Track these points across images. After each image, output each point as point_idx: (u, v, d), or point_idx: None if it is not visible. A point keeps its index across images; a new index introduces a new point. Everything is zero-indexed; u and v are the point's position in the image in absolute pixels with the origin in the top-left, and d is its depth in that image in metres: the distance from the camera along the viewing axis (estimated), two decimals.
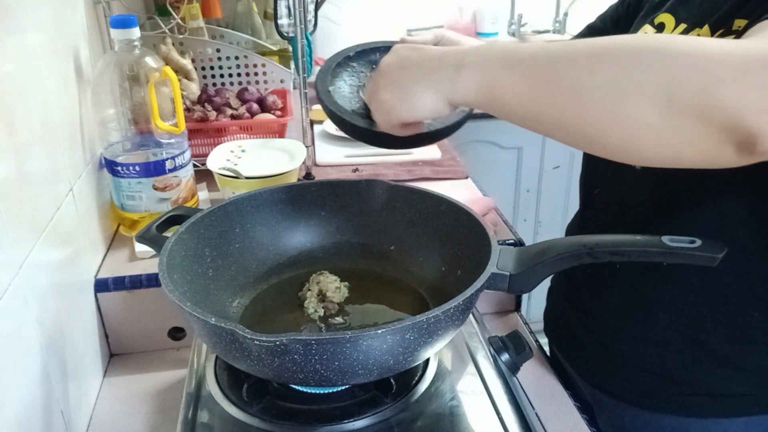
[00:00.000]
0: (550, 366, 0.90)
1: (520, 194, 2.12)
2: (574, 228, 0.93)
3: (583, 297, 0.85)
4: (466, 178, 1.25)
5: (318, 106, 1.67)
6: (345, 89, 0.82)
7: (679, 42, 0.45)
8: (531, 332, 0.96)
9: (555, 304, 0.96)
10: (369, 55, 0.88)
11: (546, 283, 0.86)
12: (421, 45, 0.62)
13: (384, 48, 0.86)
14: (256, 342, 0.51)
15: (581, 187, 0.90)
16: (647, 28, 0.76)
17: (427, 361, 0.68)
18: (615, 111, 0.46)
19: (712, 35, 0.66)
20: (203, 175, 1.14)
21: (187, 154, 1.01)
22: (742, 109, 0.42)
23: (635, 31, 0.79)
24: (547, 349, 0.95)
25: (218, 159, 1.09)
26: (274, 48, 1.65)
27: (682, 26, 0.71)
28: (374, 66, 0.84)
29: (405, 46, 0.61)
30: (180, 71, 1.28)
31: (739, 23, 0.63)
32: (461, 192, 1.18)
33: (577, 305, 0.86)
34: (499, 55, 0.52)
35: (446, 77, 0.54)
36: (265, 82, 1.40)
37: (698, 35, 0.67)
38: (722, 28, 0.65)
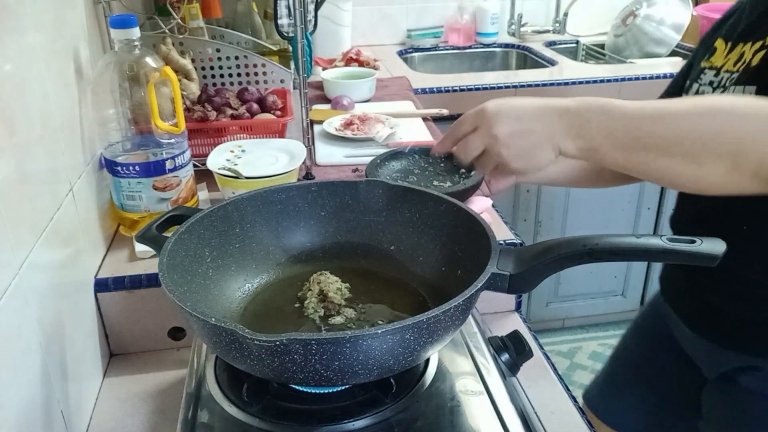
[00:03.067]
0: (549, 366, 0.90)
1: (520, 194, 2.12)
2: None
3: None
4: None
5: (318, 106, 1.68)
6: (394, 169, 1.07)
7: (745, 116, 0.62)
8: (531, 332, 0.96)
9: (666, 271, 1.03)
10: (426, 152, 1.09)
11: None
12: (517, 101, 0.73)
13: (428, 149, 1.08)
14: (256, 342, 0.51)
15: None
16: (707, 55, 0.89)
17: (427, 361, 0.68)
18: (693, 173, 0.64)
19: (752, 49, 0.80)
20: (203, 175, 1.14)
21: (187, 154, 1.01)
22: None
23: (699, 59, 0.92)
24: (546, 349, 0.95)
25: (218, 159, 1.09)
26: (274, 48, 1.65)
27: (729, 44, 0.85)
28: (426, 160, 1.08)
29: (507, 101, 0.73)
30: (180, 71, 1.28)
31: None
32: None
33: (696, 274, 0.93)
34: (600, 128, 0.67)
35: (560, 138, 0.69)
36: (265, 82, 1.40)
37: (742, 51, 0.82)
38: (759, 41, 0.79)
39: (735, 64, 0.82)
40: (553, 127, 0.69)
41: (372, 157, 1.22)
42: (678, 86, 0.97)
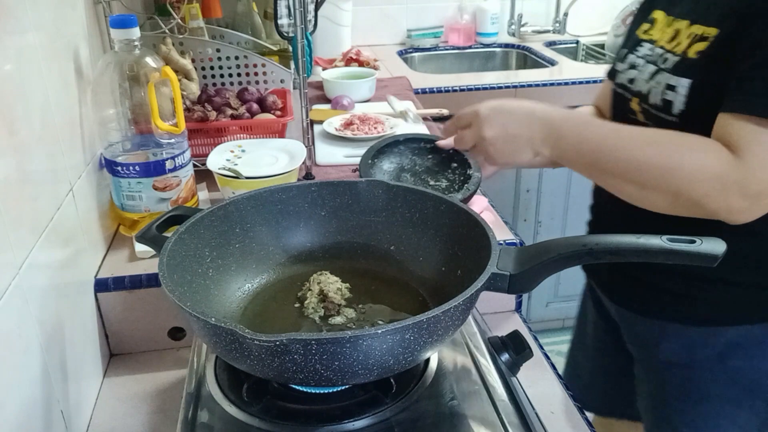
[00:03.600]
0: (549, 366, 0.90)
1: (520, 194, 2.12)
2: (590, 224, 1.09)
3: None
4: None
5: (318, 106, 1.68)
6: (385, 167, 1.07)
7: (691, 154, 0.74)
8: (531, 332, 0.96)
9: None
10: (414, 143, 1.11)
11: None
12: (507, 106, 0.88)
13: (427, 139, 1.11)
14: (256, 342, 0.51)
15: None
16: (645, 25, 0.93)
17: (427, 361, 0.68)
18: (640, 196, 0.79)
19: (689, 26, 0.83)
20: (203, 175, 1.14)
21: (187, 154, 1.01)
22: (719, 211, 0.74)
23: (636, 27, 0.96)
24: (546, 349, 0.95)
25: (218, 159, 1.09)
26: (274, 48, 1.65)
27: (669, 18, 0.88)
28: (415, 153, 1.10)
29: (499, 105, 0.88)
30: (180, 71, 1.28)
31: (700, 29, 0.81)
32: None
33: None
34: (571, 144, 0.82)
35: (537, 147, 0.85)
36: (265, 82, 1.40)
37: (677, 29, 0.84)
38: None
39: (669, 41, 0.84)
40: (533, 134, 0.84)
41: (398, 136, 1.20)
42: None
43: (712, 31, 0.77)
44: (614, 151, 0.78)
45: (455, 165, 1.05)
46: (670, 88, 0.80)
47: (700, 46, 0.78)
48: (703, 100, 0.78)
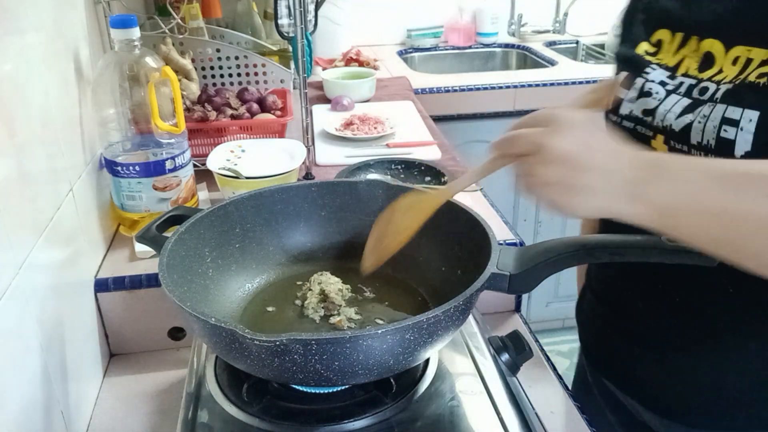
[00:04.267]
0: (549, 366, 0.90)
1: (520, 194, 2.12)
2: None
3: (632, 317, 0.80)
4: None
5: (318, 106, 1.67)
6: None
7: None
8: (531, 332, 0.96)
9: (594, 323, 0.90)
10: (385, 164, 1.14)
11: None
12: (589, 128, 0.54)
13: (398, 161, 1.16)
14: (256, 342, 0.51)
15: None
16: (645, 45, 0.75)
17: (427, 361, 0.68)
18: None
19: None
20: (203, 175, 1.14)
21: (187, 154, 1.01)
22: None
23: (633, 48, 0.76)
24: (546, 349, 0.95)
25: (218, 159, 1.09)
26: (274, 48, 1.65)
27: (679, 36, 0.71)
28: (388, 171, 1.14)
29: (575, 125, 0.53)
30: (180, 71, 1.28)
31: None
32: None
33: (626, 332, 0.82)
34: (677, 191, 0.51)
35: (618, 200, 0.51)
36: (265, 82, 1.40)
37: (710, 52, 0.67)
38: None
39: (703, 70, 0.67)
40: (623, 167, 0.52)
41: (372, 158, 1.23)
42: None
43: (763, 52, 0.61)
44: (747, 201, 0.49)
45: (429, 179, 1.06)
46: (730, 122, 0.61)
47: (755, 68, 0.61)
48: None
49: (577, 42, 2.54)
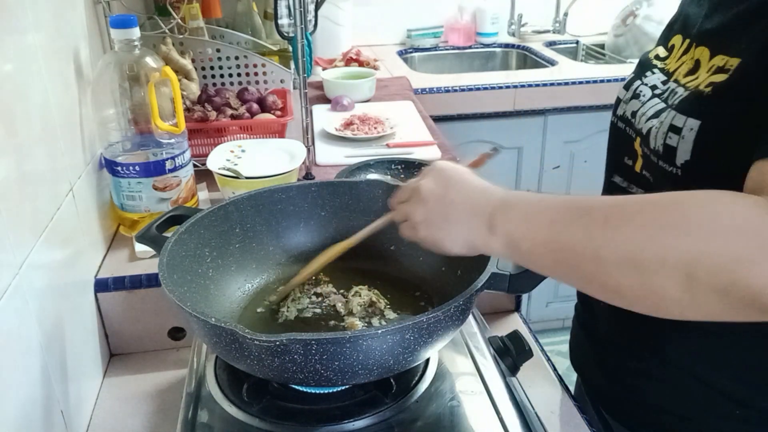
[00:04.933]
0: (549, 366, 0.90)
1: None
2: None
3: (602, 330, 0.81)
4: None
5: (318, 106, 1.67)
6: None
7: (702, 208, 0.45)
8: (531, 332, 0.96)
9: (575, 337, 0.92)
10: (385, 164, 1.15)
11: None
12: (457, 171, 0.61)
13: (398, 161, 1.15)
14: (256, 342, 0.51)
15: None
16: (660, 50, 0.76)
17: (427, 361, 0.68)
18: (636, 283, 0.46)
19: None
20: (203, 175, 1.14)
21: (187, 154, 1.01)
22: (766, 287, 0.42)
23: (652, 51, 0.77)
24: (546, 349, 0.95)
25: (218, 159, 1.09)
26: (274, 48, 1.65)
27: (686, 43, 0.70)
28: (388, 171, 1.14)
29: (444, 170, 0.60)
30: (180, 71, 1.28)
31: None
32: None
33: (596, 338, 0.83)
34: (522, 219, 0.53)
35: (477, 233, 0.56)
36: (265, 82, 1.40)
37: (696, 58, 0.66)
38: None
39: (687, 75, 0.67)
40: (475, 208, 0.57)
41: (372, 158, 1.23)
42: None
43: (734, 62, 0.60)
44: (599, 212, 0.49)
45: None
46: (675, 130, 0.62)
47: (718, 78, 0.61)
48: (711, 149, 0.59)
49: (577, 42, 2.53)
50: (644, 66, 0.75)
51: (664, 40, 0.76)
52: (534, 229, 0.52)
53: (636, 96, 0.72)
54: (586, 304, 0.86)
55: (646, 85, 0.72)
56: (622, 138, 0.74)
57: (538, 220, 0.52)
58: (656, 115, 0.67)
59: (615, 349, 0.79)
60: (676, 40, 0.73)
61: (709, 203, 0.45)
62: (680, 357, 0.71)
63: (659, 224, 0.45)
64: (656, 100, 0.69)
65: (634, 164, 0.72)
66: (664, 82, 0.70)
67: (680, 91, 0.65)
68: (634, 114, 0.71)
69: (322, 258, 0.73)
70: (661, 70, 0.72)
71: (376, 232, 0.71)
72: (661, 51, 0.75)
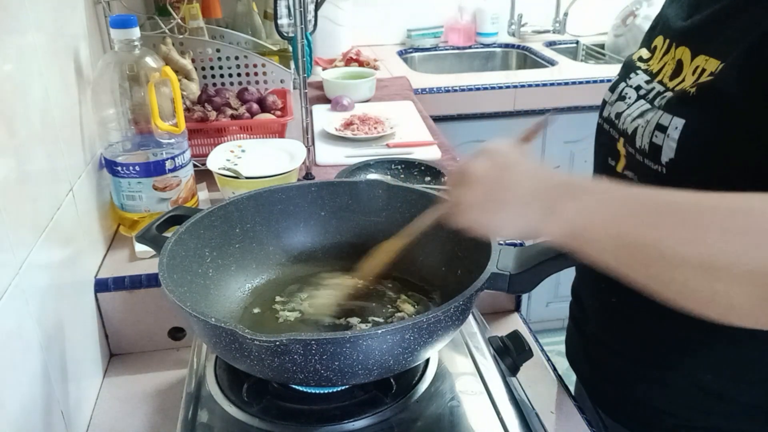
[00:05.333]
0: (549, 366, 0.90)
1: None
2: None
3: (591, 327, 0.83)
4: None
5: (318, 106, 1.68)
6: None
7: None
8: (531, 332, 0.96)
9: (569, 334, 0.94)
10: (385, 164, 1.15)
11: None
12: (512, 152, 0.58)
13: (397, 161, 1.15)
14: (256, 342, 0.51)
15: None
16: (643, 51, 0.76)
17: (427, 361, 0.68)
18: (705, 289, 0.44)
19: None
20: (203, 175, 1.14)
21: (187, 154, 1.01)
22: None
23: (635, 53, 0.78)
24: (546, 349, 0.95)
25: (218, 159, 1.09)
26: (274, 48, 1.65)
27: (666, 43, 0.71)
28: (387, 171, 1.14)
29: (498, 151, 0.58)
30: (180, 71, 1.28)
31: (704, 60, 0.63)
32: None
33: (586, 336, 0.85)
34: (588, 209, 0.51)
35: (535, 216, 0.53)
36: (265, 82, 1.40)
37: (679, 59, 0.67)
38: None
39: (672, 78, 0.67)
40: (537, 188, 0.55)
41: (372, 158, 1.23)
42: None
43: (715, 63, 0.61)
44: (673, 211, 0.47)
45: (429, 179, 1.07)
46: (660, 129, 0.63)
47: (702, 79, 0.62)
48: (695, 148, 0.61)
49: (577, 42, 2.53)
50: (628, 68, 0.76)
51: (647, 41, 0.76)
52: (601, 220, 0.50)
53: (621, 98, 0.73)
54: (578, 302, 0.87)
55: (630, 87, 0.73)
56: (607, 139, 0.75)
57: (607, 211, 0.50)
58: (642, 115, 0.68)
59: (603, 346, 0.80)
60: (658, 41, 0.73)
61: None
62: (667, 354, 0.72)
63: (738, 230, 0.44)
64: (642, 101, 0.70)
65: (616, 165, 0.73)
66: (647, 82, 0.71)
67: (666, 92, 0.67)
68: (618, 116, 0.73)
69: (376, 260, 0.70)
70: (645, 71, 0.73)
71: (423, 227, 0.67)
72: (644, 53, 0.76)
